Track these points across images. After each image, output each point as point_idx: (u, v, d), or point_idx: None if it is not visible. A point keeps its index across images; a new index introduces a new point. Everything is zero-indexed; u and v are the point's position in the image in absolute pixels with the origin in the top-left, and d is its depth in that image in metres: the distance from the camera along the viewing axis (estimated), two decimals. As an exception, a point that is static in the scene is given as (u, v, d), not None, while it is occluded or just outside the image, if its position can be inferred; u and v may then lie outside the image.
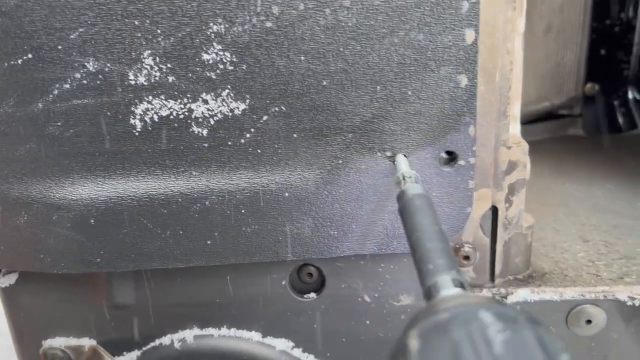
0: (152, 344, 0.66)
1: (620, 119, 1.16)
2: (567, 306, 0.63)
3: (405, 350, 0.30)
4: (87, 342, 0.67)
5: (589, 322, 0.63)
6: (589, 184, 0.99)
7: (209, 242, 0.57)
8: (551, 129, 1.24)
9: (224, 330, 0.65)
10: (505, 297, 0.64)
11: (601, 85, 1.17)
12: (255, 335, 0.65)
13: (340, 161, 0.55)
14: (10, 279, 0.65)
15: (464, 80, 0.52)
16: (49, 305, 0.66)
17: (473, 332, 0.29)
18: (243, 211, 0.56)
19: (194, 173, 0.55)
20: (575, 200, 0.92)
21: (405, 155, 0.54)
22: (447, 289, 0.35)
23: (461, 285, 0.36)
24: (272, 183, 0.55)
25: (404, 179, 0.49)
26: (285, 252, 0.58)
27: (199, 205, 0.56)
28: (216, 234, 0.57)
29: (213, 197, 0.56)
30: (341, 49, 0.50)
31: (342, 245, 0.58)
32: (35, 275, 0.63)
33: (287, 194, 0.56)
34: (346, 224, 0.57)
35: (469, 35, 0.51)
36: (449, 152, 0.55)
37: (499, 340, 0.28)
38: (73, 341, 0.67)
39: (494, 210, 0.63)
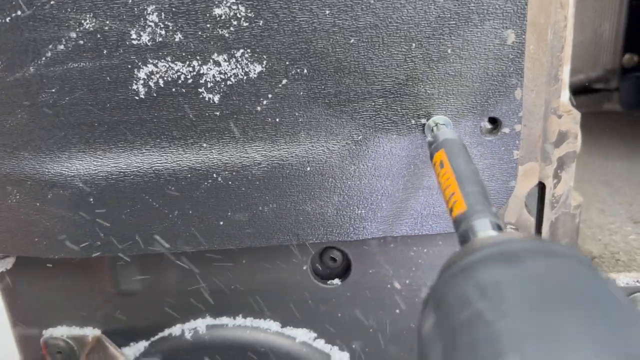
0: (161, 334, 0.63)
1: (661, 93, 1.11)
2: (620, 294, 0.58)
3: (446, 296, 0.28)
4: (91, 332, 0.64)
5: (644, 311, 0.58)
6: (632, 161, 0.93)
7: (221, 222, 0.52)
8: (585, 104, 1.18)
9: (240, 320, 0.62)
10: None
11: (641, 56, 1.12)
12: (274, 325, 0.62)
13: (369, 130, 0.49)
14: (7, 264, 0.61)
15: (511, 37, 0.47)
16: (50, 291, 0.63)
17: (522, 268, 0.26)
18: (260, 188, 0.51)
19: (204, 145, 0.50)
20: (619, 178, 0.86)
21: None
22: (485, 231, 0.33)
23: (499, 228, 0.34)
24: (291, 156, 0.50)
25: (435, 125, 0.47)
26: (307, 234, 0.53)
27: (210, 181, 0.51)
28: (229, 213, 0.52)
29: (226, 172, 0.51)
30: (371, 1, 0.45)
31: (371, 226, 0.52)
32: (34, 259, 0.59)
33: (308, 169, 0.51)
34: (375, 202, 0.52)
35: None
36: (492, 119, 0.50)
37: (554, 277, 0.26)
38: (76, 330, 0.64)
39: (541, 187, 0.57)
